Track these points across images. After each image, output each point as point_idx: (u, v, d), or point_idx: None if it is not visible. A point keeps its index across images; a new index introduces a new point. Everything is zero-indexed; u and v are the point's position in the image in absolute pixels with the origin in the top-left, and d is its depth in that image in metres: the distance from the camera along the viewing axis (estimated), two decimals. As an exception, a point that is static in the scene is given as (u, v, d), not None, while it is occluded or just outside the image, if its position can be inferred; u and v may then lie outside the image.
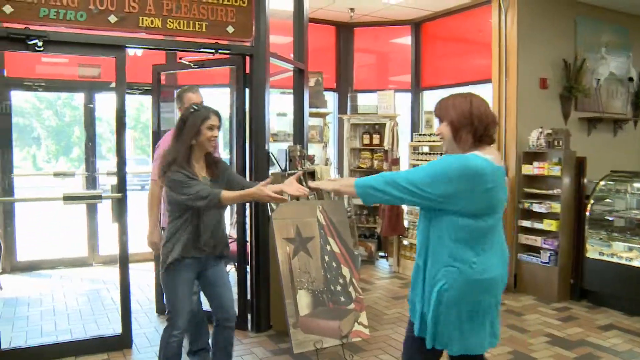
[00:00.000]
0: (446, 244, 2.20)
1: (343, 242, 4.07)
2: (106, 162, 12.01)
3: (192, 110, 2.92)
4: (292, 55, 5.17)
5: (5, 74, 6.16)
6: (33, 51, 3.60)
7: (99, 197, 4.04)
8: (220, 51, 4.10)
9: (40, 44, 3.56)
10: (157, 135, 4.64)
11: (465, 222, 2.16)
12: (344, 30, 7.90)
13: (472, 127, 2.23)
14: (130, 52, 5.43)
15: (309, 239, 3.96)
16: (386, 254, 7.06)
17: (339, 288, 3.94)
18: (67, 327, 4.55)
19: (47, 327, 4.54)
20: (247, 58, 4.37)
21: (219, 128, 2.97)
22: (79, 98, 7.04)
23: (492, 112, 2.29)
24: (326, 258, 3.98)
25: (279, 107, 6.48)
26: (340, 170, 7.72)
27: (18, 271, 6.37)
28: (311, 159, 6.72)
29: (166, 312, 3.06)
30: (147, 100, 5.52)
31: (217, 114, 2.95)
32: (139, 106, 21.07)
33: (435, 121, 2.54)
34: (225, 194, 2.81)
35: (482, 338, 2.28)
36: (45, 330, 4.45)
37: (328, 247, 4.01)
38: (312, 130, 6.97)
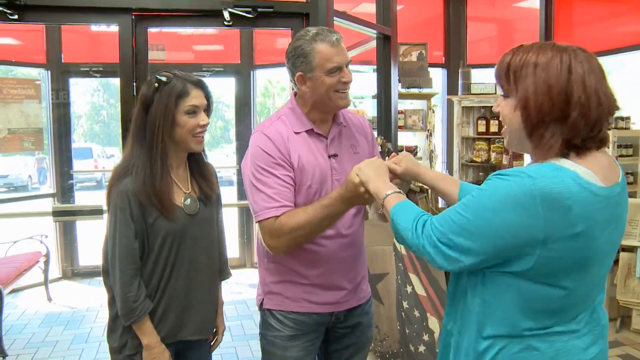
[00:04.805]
0: (501, 313, 1.24)
1: (432, 279, 2.80)
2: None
3: (157, 83, 1.71)
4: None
5: (62, 60, 5.56)
6: (6, 20, 2.71)
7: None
8: (260, 10, 2.97)
9: (10, 11, 2.66)
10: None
11: (535, 289, 1.20)
12: (455, -5, 6.46)
13: (566, 121, 1.16)
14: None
15: (379, 276, 2.74)
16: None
17: (422, 349, 2.69)
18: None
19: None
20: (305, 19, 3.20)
21: (208, 112, 1.79)
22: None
23: (610, 93, 1.19)
24: (405, 304, 2.74)
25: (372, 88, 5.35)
26: (449, 165, 6.37)
27: (79, 277, 5.77)
28: (412, 151, 5.59)
29: None
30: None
31: (201, 85, 1.76)
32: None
33: (499, 89, 1.29)
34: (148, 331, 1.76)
35: None
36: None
37: (408, 289, 2.77)
38: (413, 116, 5.85)
